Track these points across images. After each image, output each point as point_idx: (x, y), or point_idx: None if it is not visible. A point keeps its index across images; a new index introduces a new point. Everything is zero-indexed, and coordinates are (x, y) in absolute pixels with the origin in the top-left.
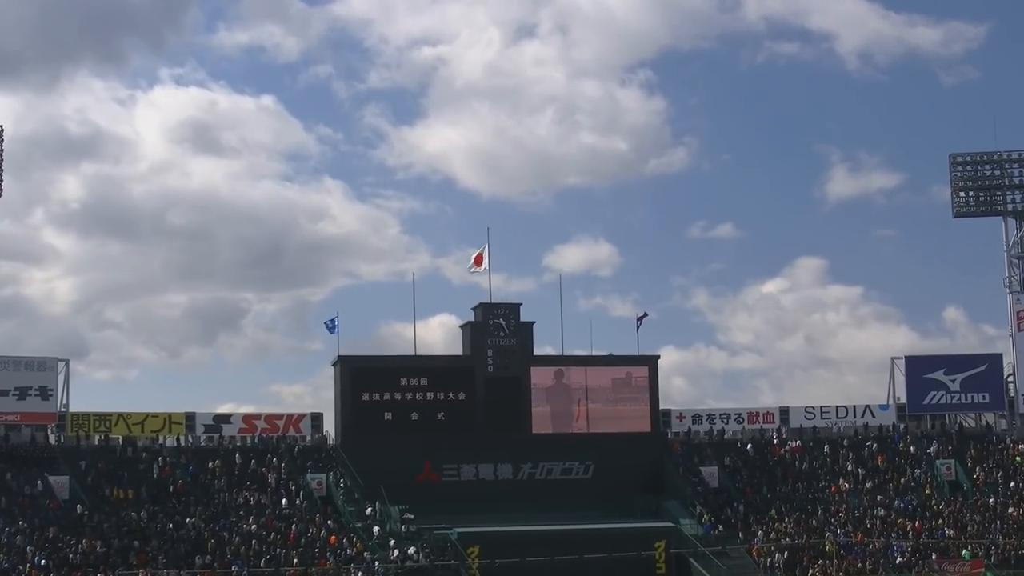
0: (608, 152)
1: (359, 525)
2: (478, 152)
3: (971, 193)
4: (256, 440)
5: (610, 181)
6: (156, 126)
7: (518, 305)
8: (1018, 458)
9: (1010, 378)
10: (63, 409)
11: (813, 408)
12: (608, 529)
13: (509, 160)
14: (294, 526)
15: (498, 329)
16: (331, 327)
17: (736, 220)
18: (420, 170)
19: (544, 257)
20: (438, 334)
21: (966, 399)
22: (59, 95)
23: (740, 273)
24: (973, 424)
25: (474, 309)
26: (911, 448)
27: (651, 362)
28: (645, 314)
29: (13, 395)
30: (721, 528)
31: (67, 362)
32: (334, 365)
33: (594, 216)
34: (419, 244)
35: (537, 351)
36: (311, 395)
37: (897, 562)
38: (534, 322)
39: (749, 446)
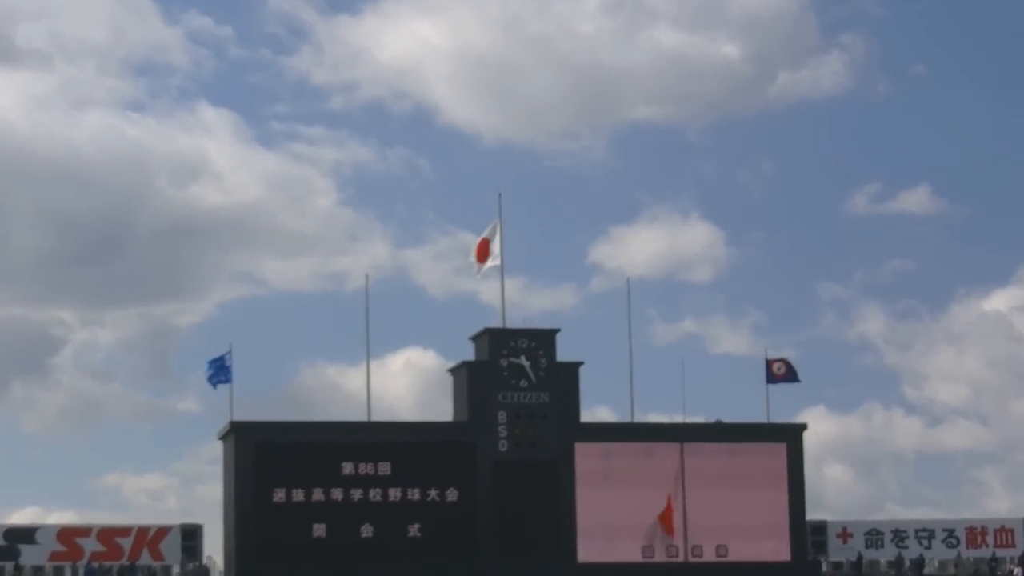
0: (707, 62)
1: None
2: (474, 62)
3: None
4: (82, 574)
5: (709, 114)
6: None
7: (552, 333)
8: None
9: None
10: None
11: None
12: None
13: (530, 77)
14: None
15: (518, 375)
16: (216, 372)
17: (935, 182)
18: (372, 93)
19: (594, 247)
20: (407, 384)
21: None
22: None
23: (943, 278)
24: None
25: (474, 339)
26: None
27: (790, 436)
28: (786, 365)
29: None
30: None
31: None
32: (223, 439)
33: (682, 175)
34: (371, 225)
35: (586, 415)
36: (180, 494)
37: None
38: (581, 363)
39: None
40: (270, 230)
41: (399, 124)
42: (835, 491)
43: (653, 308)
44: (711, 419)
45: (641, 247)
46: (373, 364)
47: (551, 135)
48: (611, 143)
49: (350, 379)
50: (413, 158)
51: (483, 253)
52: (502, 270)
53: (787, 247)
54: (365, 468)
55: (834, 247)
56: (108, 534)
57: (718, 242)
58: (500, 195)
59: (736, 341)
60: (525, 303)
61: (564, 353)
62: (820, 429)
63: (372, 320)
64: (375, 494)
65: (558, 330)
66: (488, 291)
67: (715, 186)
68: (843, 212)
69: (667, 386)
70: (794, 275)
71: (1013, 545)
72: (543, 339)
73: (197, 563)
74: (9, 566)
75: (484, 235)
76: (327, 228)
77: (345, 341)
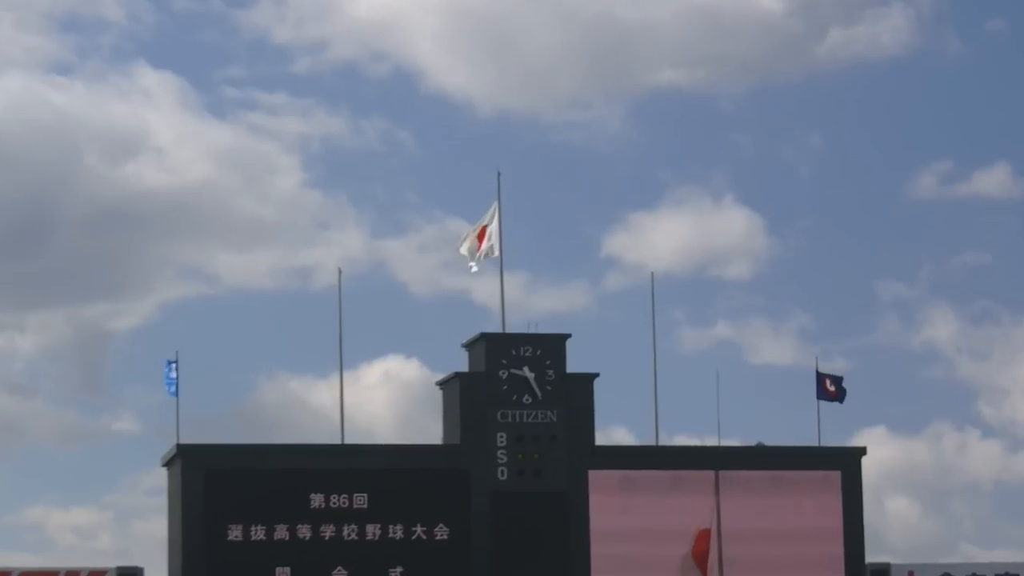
0: (744, 16)
1: None
2: (466, 16)
3: None
4: None
5: (747, 79)
6: None
7: (561, 339)
8: None
9: None
10: None
11: None
12: None
13: (533, 34)
14: None
15: (520, 389)
16: (167, 383)
17: (1017, 159)
18: (344, 53)
19: (609, 237)
20: (387, 400)
21: None
22: None
23: None
24: None
25: (467, 347)
26: None
27: (846, 462)
28: (840, 386)
29: None
30: None
31: None
32: (167, 466)
33: (714, 151)
34: (344, 210)
35: (602, 437)
36: (115, 531)
37: None
38: (596, 375)
39: None
40: (223, 216)
41: (376, 90)
42: (899, 528)
43: (680, 310)
44: (751, 442)
45: (666, 237)
46: (347, 376)
47: (558, 104)
48: (629, 113)
49: (319, 394)
50: (393, 131)
51: (479, 241)
52: (501, 264)
53: (840, 237)
54: (338, 500)
55: (896, 238)
56: None
57: (757, 231)
58: (499, 175)
59: (780, 349)
60: (528, 304)
61: (575, 363)
62: (881, 455)
63: (345, 323)
64: (350, 531)
65: (568, 336)
66: (484, 289)
67: (753, 164)
68: (906, 196)
69: (698, 402)
70: (848, 271)
71: None
72: (550, 346)
73: None
74: None
75: (480, 224)
76: (291, 214)
77: (313, 349)
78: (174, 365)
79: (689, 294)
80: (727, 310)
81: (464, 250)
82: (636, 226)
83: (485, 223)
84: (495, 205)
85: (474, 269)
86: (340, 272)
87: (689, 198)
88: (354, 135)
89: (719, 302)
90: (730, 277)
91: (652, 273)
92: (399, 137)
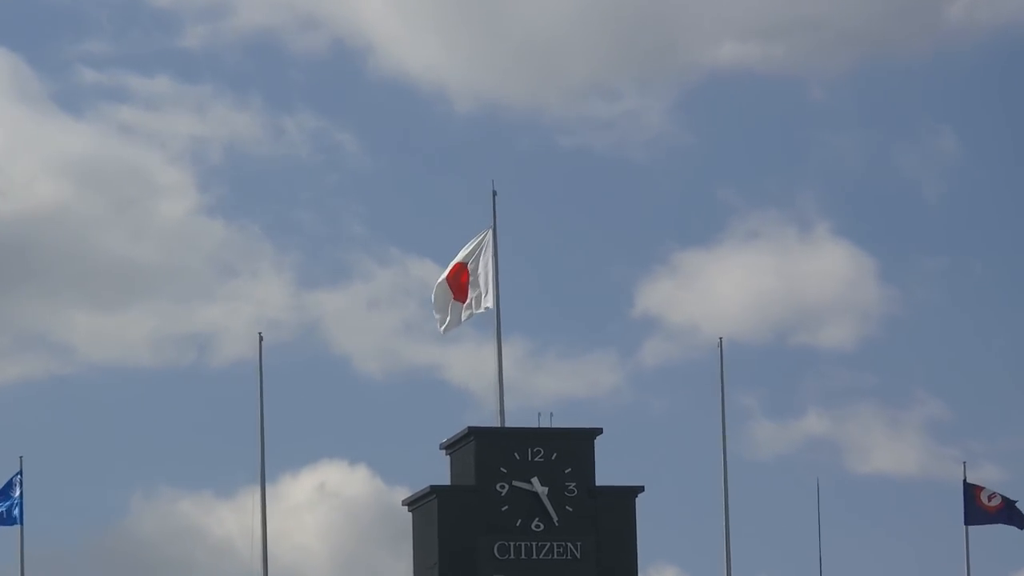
0: None
1: None
2: None
3: None
4: None
5: (844, 58)
6: None
7: (590, 436)
8: None
9: None
10: None
11: None
12: None
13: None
14: None
15: (527, 510)
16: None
17: None
18: (256, 20)
19: (648, 286)
20: (323, 526)
21: None
22: None
23: None
24: None
25: (448, 449)
26: None
27: None
28: (1002, 499)
29: None
30: None
31: None
32: None
33: (800, 160)
34: (258, 248)
35: None
36: None
37: None
38: (639, 489)
39: None
40: (80, 259)
41: (304, 74)
42: None
43: (753, 394)
44: None
45: (730, 286)
46: (270, 493)
47: (569, 94)
48: (675, 106)
49: (222, 519)
50: (329, 132)
51: (459, 289)
52: (498, 324)
53: (987, 286)
54: None
55: None
56: None
57: (866, 276)
58: (495, 194)
59: (901, 451)
60: (530, 385)
61: (607, 472)
62: None
63: (267, 414)
64: None
65: (598, 432)
66: (463, 363)
67: (859, 178)
68: None
69: (782, 528)
70: (1000, 336)
71: None
72: (572, 447)
73: None
74: None
75: (458, 259)
76: (181, 256)
77: (213, 453)
78: (18, 479)
79: (765, 371)
80: (821, 394)
81: (435, 303)
82: (686, 270)
83: (462, 260)
84: (486, 234)
85: (445, 328)
86: (261, 339)
87: (764, 229)
88: (272, 139)
89: (809, 383)
90: (826, 346)
91: (720, 340)
92: (338, 142)
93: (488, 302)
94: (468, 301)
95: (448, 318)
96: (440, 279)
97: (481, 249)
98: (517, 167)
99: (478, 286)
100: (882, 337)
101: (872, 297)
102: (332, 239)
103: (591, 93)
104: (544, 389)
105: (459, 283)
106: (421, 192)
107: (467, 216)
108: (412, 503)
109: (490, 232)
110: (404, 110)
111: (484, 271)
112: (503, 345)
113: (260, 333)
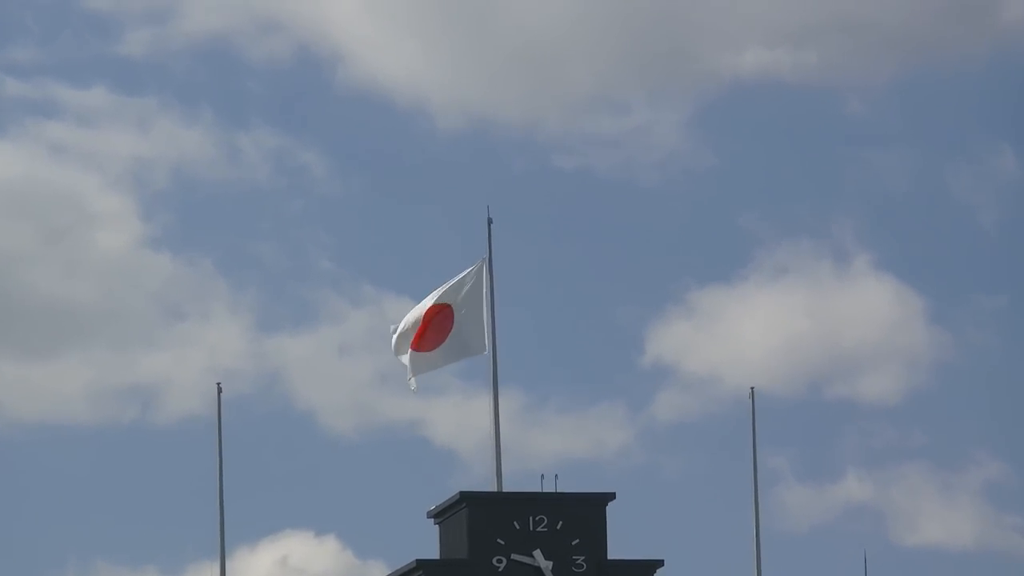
0: None
1: None
2: None
3: None
4: None
5: (888, 63)
6: None
7: (602, 502)
8: None
9: None
10: None
11: None
12: None
13: None
14: None
15: None
16: None
17: None
18: (206, 25)
19: (659, 329)
20: None
21: None
22: None
23: None
24: None
25: (437, 518)
26: None
27: None
28: None
29: None
30: None
31: None
32: None
33: (837, 181)
34: (210, 286)
35: None
36: None
37: None
38: (658, 563)
39: None
40: (4, 299)
41: (263, 85)
42: None
43: (783, 454)
44: None
45: (756, 329)
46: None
47: (568, 107)
48: (691, 121)
49: None
50: (291, 152)
51: (431, 335)
52: (494, 371)
53: None
54: None
55: None
56: None
57: (913, 317)
58: (490, 222)
59: (955, 518)
60: (528, 443)
61: (620, 544)
62: None
63: (226, 478)
64: None
65: (610, 497)
66: (450, 418)
67: (905, 204)
68: None
69: None
70: None
71: None
72: (580, 516)
73: None
74: None
75: (437, 299)
76: (121, 294)
77: (159, 524)
78: None
79: (797, 428)
80: (862, 454)
81: (397, 350)
82: (705, 311)
83: (445, 301)
84: (479, 266)
85: (413, 386)
86: (219, 390)
87: (795, 262)
88: (226, 160)
89: (848, 441)
90: (867, 398)
91: (752, 391)
92: (302, 163)
93: (483, 346)
94: (440, 349)
95: (411, 374)
96: (407, 328)
97: (463, 287)
98: (508, 192)
99: (460, 334)
100: (932, 388)
101: (920, 341)
102: (296, 275)
103: (594, 106)
104: (542, 449)
105: (429, 331)
106: (398, 221)
107: (451, 248)
108: None
109: (483, 265)
110: (379, 126)
111: (473, 310)
112: (502, 394)
113: (219, 384)
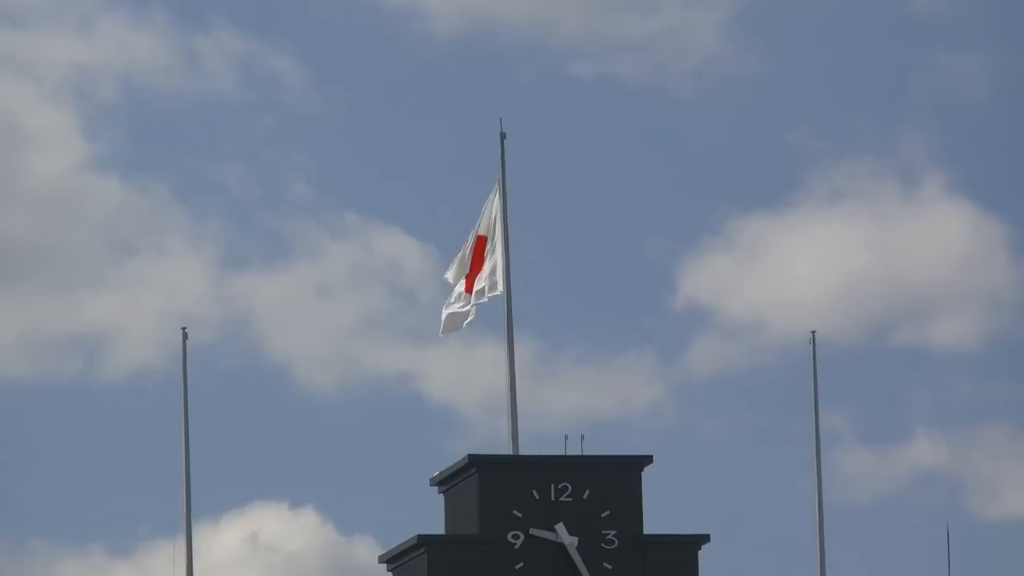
0: None
1: None
2: None
3: None
4: None
5: None
6: None
7: (637, 466)
8: None
9: None
10: None
11: None
12: None
13: None
14: None
15: (550, 568)
16: None
17: None
18: None
19: (694, 264)
20: None
21: None
22: None
23: None
24: None
25: (441, 485)
26: None
27: None
28: None
29: None
30: None
31: None
32: None
33: (904, 91)
34: (168, 215)
35: None
36: None
37: None
38: (703, 539)
39: None
40: None
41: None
42: None
43: (843, 411)
44: None
45: (808, 265)
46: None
47: (586, 7)
48: (731, 20)
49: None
50: (260, 59)
51: (476, 264)
52: (509, 314)
53: None
54: None
55: None
56: None
57: (995, 249)
58: (503, 136)
59: None
60: (541, 399)
61: (657, 518)
62: None
63: (193, 439)
64: None
65: (647, 460)
66: (447, 370)
67: (981, 115)
68: None
69: None
70: None
71: None
72: (611, 483)
73: None
74: None
75: (479, 231)
76: (62, 228)
77: (105, 497)
78: None
79: (859, 381)
80: (935, 412)
81: (450, 277)
82: (747, 244)
83: (483, 232)
84: (493, 194)
85: (471, 317)
86: (185, 337)
87: (854, 186)
88: (184, 68)
89: (918, 396)
90: (940, 346)
91: (813, 335)
92: (273, 72)
93: (497, 287)
94: (477, 287)
95: (447, 314)
96: (461, 255)
97: (491, 217)
98: (517, 106)
99: (488, 281)
100: (1017, 334)
101: (1003, 278)
102: (267, 203)
103: (616, 4)
104: (558, 405)
105: (471, 264)
106: (386, 140)
107: (448, 171)
108: (392, 560)
109: (496, 189)
110: (364, 30)
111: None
112: (518, 343)
113: (184, 329)
